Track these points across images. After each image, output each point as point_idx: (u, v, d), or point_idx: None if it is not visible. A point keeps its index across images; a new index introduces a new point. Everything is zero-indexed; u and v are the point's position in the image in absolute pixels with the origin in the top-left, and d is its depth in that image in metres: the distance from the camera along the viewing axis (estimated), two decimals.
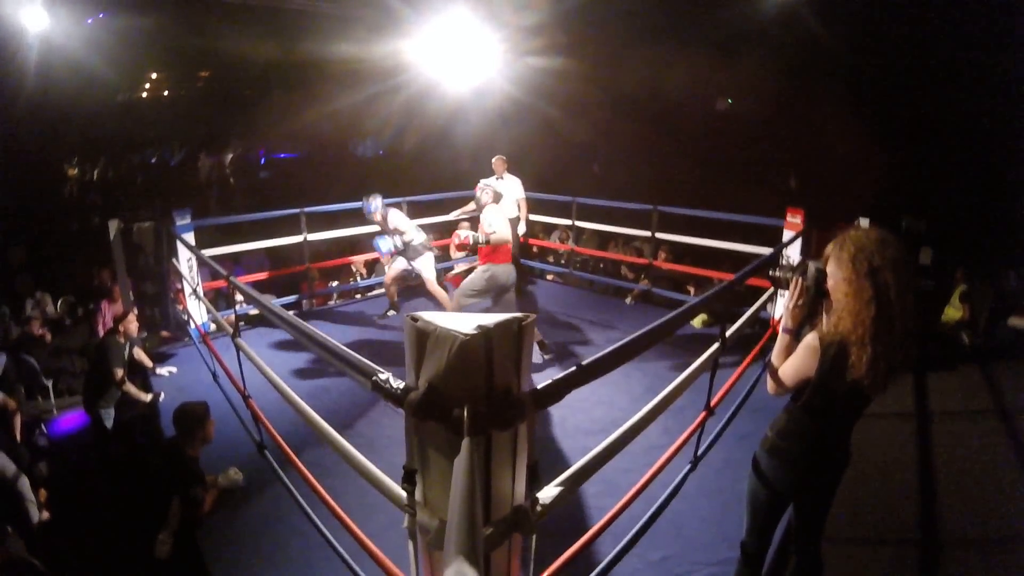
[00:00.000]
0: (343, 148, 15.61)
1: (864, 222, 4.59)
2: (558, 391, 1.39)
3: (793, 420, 1.87)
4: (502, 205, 6.07)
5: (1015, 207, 7.64)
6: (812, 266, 1.79)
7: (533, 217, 7.17)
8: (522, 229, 6.28)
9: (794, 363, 1.81)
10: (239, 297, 4.82)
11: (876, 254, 1.65)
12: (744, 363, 3.37)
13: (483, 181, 5.11)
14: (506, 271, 4.51)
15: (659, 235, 6.06)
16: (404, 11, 6.72)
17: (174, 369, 4.79)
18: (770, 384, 1.91)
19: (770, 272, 2.05)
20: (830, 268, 1.75)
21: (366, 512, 2.61)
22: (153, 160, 15.96)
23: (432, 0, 6.59)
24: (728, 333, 2.56)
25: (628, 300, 6.36)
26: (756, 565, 2.14)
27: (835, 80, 9.55)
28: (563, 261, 7.49)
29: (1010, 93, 8.02)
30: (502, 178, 6.22)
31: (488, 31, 6.89)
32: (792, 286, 1.86)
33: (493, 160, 6.23)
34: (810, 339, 1.77)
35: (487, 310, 4.54)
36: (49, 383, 5.48)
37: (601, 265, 7.46)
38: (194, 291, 5.04)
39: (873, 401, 1.80)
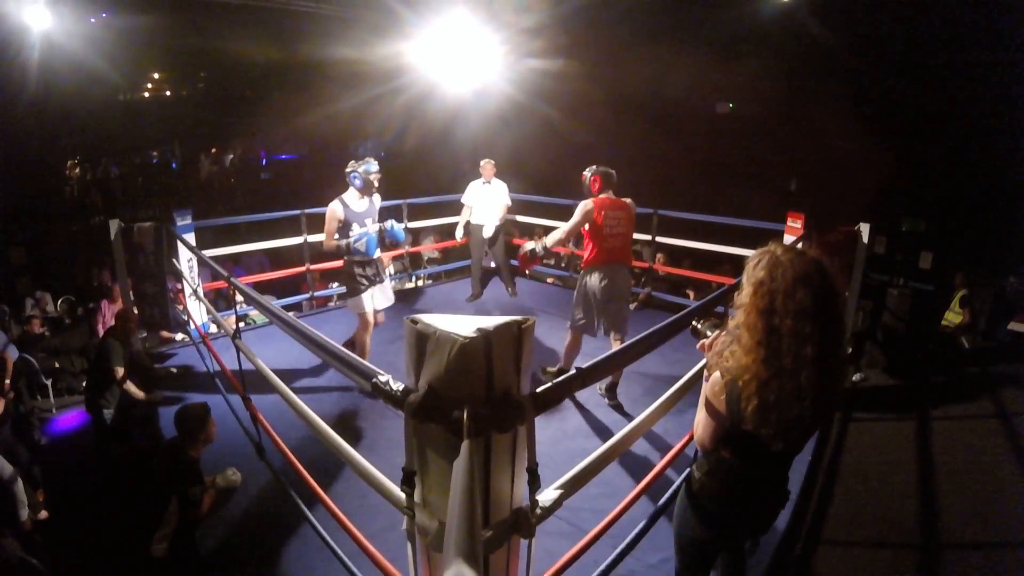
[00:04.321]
0: (344, 149, 15.64)
1: (865, 228, 4.60)
2: (558, 394, 1.39)
3: (718, 460, 1.65)
4: (491, 208, 5.89)
5: (1015, 210, 7.65)
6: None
7: (535, 220, 7.16)
8: (487, 232, 5.93)
9: (702, 413, 1.61)
10: (239, 298, 4.82)
11: (783, 295, 1.39)
12: None
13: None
14: (586, 277, 3.89)
15: (659, 239, 6.06)
16: (404, 13, 6.74)
17: (174, 369, 4.79)
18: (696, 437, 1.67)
19: (692, 324, 1.93)
20: (743, 277, 1.52)
21: (365, 514, 2.61)
22: (154, 160, 16.00)
23: (432, 2, 6.61)
24: None
25: (632, 305, 6.31)
26: None
27: (836, 81, 9.58)
28: (564, 265, 7.50)
29: (1010, 94, 8.04)
30: (489, 182, 5.91)
31: (488, 32, 6.91)
32: (712, 339, 1.70)
33: (482, 163, 5.93)
34: (715, 378, 1.55)
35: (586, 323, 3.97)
36: (48, 382, 5.48)
37: None
38: (194, 291, 5.04)
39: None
